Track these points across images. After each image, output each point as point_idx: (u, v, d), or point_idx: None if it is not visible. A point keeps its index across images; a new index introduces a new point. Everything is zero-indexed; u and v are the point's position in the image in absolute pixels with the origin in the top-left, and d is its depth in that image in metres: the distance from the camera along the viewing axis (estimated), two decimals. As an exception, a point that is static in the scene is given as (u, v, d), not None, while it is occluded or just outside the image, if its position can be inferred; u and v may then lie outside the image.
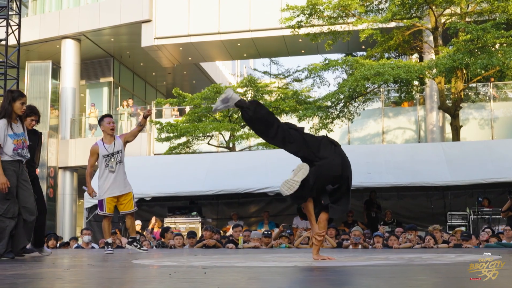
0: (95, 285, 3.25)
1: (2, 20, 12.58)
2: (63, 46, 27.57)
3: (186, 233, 13.48)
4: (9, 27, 12.49)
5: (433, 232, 11.65)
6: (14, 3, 12.90)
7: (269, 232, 12.76)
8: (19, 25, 12.65)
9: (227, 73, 41.81)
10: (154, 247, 12.30)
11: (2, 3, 13.65)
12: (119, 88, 31.00)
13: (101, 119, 9.16)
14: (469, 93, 23.30)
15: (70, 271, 4.65)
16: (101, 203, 9.04)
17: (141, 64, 31.13)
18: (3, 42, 12.34)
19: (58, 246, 13.93)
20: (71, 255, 8.32)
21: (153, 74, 33.12)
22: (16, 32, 12.58)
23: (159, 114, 26.49)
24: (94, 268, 5.03)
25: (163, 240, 13.22)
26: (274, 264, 4.99)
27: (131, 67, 31.92)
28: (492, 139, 21.78)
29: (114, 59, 30.46)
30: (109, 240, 9.27)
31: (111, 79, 30.43)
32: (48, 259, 6.93)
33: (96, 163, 9.06)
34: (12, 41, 12.76)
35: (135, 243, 9.17)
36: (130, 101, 27.71)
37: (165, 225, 14.91)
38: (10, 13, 12.60)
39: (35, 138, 8.05)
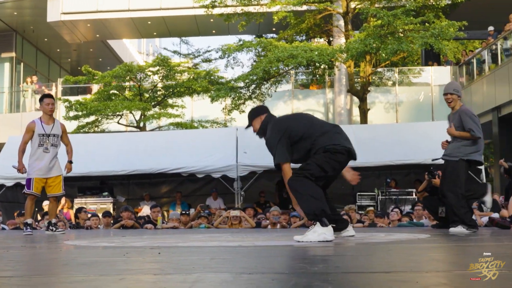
0: (56, 267, 3.11)
1: None
2: (-39, 18, 26.23)
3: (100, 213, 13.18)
4: None
5: (349, 211, 11.94)
6: None
7: (187, 212, 12.68)
8: None
9: (134, 51, 41.09)
10: (69, 228, 11.95)
11: None
12: (22, 64, 29.85)
13: (41, 99, 8.99)
14: (376, 78, 23.97)
15: (10, 253, 4.41)
16: (29, 182, 8.79)
17: (46, 39, 30.04)
18: None
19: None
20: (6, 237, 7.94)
21: (58, 50, 32.07)
22: None
23: (67, 92, 25.69)
24: (34, 249, 4.82)
25: (77, 220, 12.88)
26: (217, 244, 4.94)
27: (34, 43, 30.74)
28: (396, 122, 22.54)
29: (17, 34, 29.24)
30: (29, 221, 8.96)
31: (13, 54, 29.23)
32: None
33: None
34: None
35: (50, 227, 8.95)
36: (34, 78, 26.66)
37: (75, 206, 14.54)
38: None
39: None
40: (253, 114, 6.26)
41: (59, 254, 3.94)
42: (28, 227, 8.83)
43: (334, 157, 5.60)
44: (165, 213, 15.13)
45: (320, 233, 5.19)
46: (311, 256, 3.63)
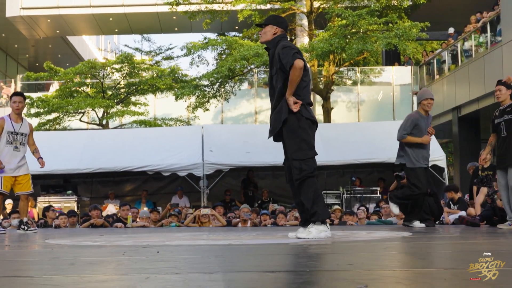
0: (65, 266, 3.06)
1: None
2: None
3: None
4: None
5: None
6: None
7: (157, 209, 12.61)
8: None
9: (93, 47, 40.56)
10: (37, 227, 11.76)
11: None
12: (-22, 60, 29.24)
13: (11, 96, 8.95)
14: (338, 78, 24.16)
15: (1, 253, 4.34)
16: None
17: (3, 35, 29.46)
18: None
19: None
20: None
21: (16, 46, 31.49)
22: None
23: (26, 88, 25.24)
24: (23, 249, 4.74)
25: (44, 219, 12.68)
26: (206, 242, 4.94)
27: (-9, 38, 30.16)
28: (358, 121, 22.77)
29: (-27, 29, 28.63)
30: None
31: (-32, 50, 28.62)
32: None
33: None
34: None
35: (22, 226, 8.82)
36: (-8, 74, 26.22)
37: (38, 204, 14.33)
38: None
39: None
40: (273, 20, 5.85)
41: (56, 254, 3.89)
42: (0, 226, 8.74)
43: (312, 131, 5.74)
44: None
45: (321, 230, 5.33)
46: (313, 254, 3.65)
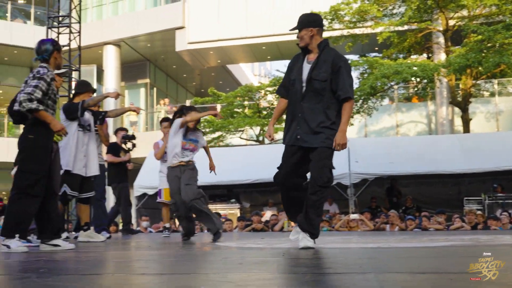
0: (226, 266, 3.18)
1: (65, 27, 12.56)
2: (105, 51, 27.57)
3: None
4: (71, 34, 12.48)
5: (470, 214, 11.51)
6: (74, 12, 12.90)
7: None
8: (79, 32, 12.65)
9: (249, 73, 41.69)
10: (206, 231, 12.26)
11: (52, 13, 13.62)
12: (155, 88, 30.99)
13: (160, 122, 9.56)
14: (474, 90, 23.07)
15: (180, 253, 4.56)
16: (160, 192, 9.15)
17: (174, 66, 31.08)
18: (65, 48, 12.33)
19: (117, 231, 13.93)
20: (150, 239, 8.26)
21: (184, 75, 33.07)
22: (77, 39, 12.58)
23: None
24: (193, 251, 4.94)
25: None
26: (358, 246, 4.89)
27: (165, 70, 31.89)
28: (497, 131, 21.55)
29: (150, 63, 30.45)
30: (167, 225, 9.33)
31: (147, 80, 30.43)
32: (143, 243, 6.92)
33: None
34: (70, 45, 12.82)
35: (165, 231, 9.30)
36: (167, 100, 27.75)
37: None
38: (71, 21, 12.61)
39: None
40: (306, 23, 5.06)
41: (225, 255, 4.02)
42: (166, 230, 9.21)
43: None
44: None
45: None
46: (458, 255, 3.50)
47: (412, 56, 24.09)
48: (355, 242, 5.43)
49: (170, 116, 24.90)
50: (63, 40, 11.57)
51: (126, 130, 11.13)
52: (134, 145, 10.82)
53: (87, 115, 7.17)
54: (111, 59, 27.42)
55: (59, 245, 5.43)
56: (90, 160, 7.14)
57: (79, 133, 7.03)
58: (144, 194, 15.36)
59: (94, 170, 7.18)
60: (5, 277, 2.80)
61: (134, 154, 20.97)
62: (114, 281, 2.30)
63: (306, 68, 4.93)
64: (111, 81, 27.13)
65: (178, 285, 2.16)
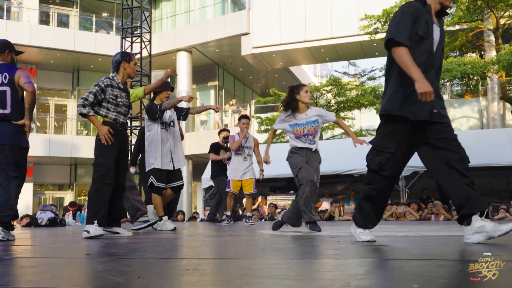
0: (254, 251, 3.30)
1: (136, 38, 13.02)
2: (178, 57, 28.20)
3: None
4: (142, 43, 12.93)
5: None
6: (146, 23, 13.37)
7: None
8: (150, 40, 13.08)
9: (310, 74, 41.59)
10: (264, 220, 12.48)
11: (124, 24, 14.14)
12: (223, 90, 31.43)
13: (239, 118, 9.66)
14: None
15: (219, 240, 4.68)
16: (228, 182, 9.42)
17: (241, 69, 31.42)
18: (137, 56, 12.81)
19: (185, 220, 14.37)
20: (215, 228, 8.51)
21: (250, 77, 33.36)
22: (148, 47, 13.02)
23: (258, 110, 26.72)
24: (235, 237, 5.08)
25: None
26: (386, 234, 4.94)
27: (232, 72, 32.29)
28: (549, 124, 20.75)
29: (219, 66, 30.90)
30: (228, 213, 9.60)
31: (216, 83, 30.90)
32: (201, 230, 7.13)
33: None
34: (142, 53, 13.29)
35: (245, 219, 9.51)
36: (234, 101, 28.12)
37: (268, 202, 15.09)
38: (143, 31, 13.07)
39: None
40: None
41: (256, 242, 4.15)
42: (227, 218, 9.47)
43: None
44: (341, 208, 15.22)
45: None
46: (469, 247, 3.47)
47: (467, 55, 23.46)
48: (388, 231, 5.47)
49: (237, 115, 25.21)
50: (136, 48, 12.00)
51: (228, 131, 11.57)
52: None
53: (169, 112, 7.33)
54: (183, 64, 28.01)
55: (118, 232, 5.87)
56: (176, 154, 7.30)
57: (162, 131, 7.23)
58: (211, 187, 15.71)
59: (181, 163, 7.36)
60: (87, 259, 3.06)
61: (202, 149, 21.41)
62: (186, 264, 2.49)
63: (436, 30, 3.70)
64: (184, 84, 27.73)
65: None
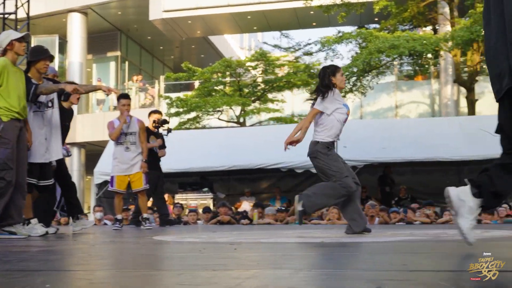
0: (130, 261, 3.24)
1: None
2: (69, 19, 27.44)
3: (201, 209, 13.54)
4: (18, 1, 12.40)
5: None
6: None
7: (284, 208, 12.76)
8: (28, -2, 12.58)
9: (235, 46, 41.62)
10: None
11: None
12: (126, 62, 30.93)
13: (118, 98, 9.54)
14: (485, 66, 23.10)
15: (96, 247, 4.66)
16: (112, 179, 9.22)
17: (149, 38, 31.02)
18: (12, 16, 12.26)
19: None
20: (88, 231, 8.34)
21: (161, 48, 33.03)
22: (26, 6, 12.50)
23: (169, 89, 26.48)
24: (118, 244, 5.03)
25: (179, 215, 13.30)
26: (300, 240, 4.97)
27: (138, 41, 31.82)
28: (509, 113, 21.60)
29: (121, 33, 30.37)
30: (119, 217, 9.41)
31: (118, 53, 30.37)
32: (68, 235, 6.97)
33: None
34: (20, 14, 12.70)
35: (143, 222, 9.37)
36: (140, 77, 27.72)
37: (176, 201, 14.96)
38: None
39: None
40: None
41: (141, 250, 4.08)
42: (117, 222, 9.27)
43: None
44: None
45: None
46: (381, 253, 3.57)
47: (420, 28, 24.06)
48: (304, 237, 5.50)
49: (143, 94, 24.86)
50: (9, 7, 11.48)
51: (160, 113, 11.41)
52: (170, 130, 11.30)
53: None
54: (76, 29, 27.32)
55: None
56: (53, 143, 7.04)
57: (35, 114, 6.93)
58: (106, 182, 15.36)
59: (55, 155, 7.12)
60: None
61: (98, 135, 21.01)
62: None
63: None
64: (76, 53, 27.05)
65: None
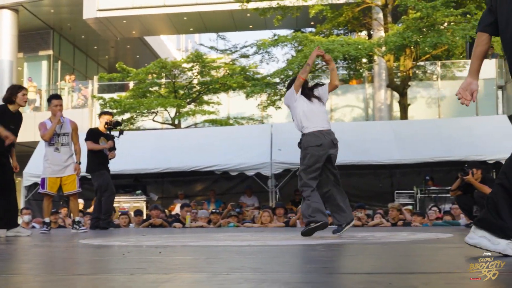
0: (50, 266, 3.17)
1: None
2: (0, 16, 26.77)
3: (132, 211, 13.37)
4: None
5: (392, 210, 11.78)
6: None
7: (218, 210, 12.74)
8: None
9: (172, 47, 41.42)
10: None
11: None
12: (59, 61, 30.36)
13: (49, 99, 9.44)
14: (417, 72, 23.65)
15: (18, 251, 4.54)
16: (43, 181, 9.05)
17: (83, 37, 30.52)
18: None
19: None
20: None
21: (95, 47, 32.55)
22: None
23: (103, 89, 26.08)
24: (42, 248, 4.93)
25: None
26: (227, 243, 4.96)
27: (71, 40, 31.27)
28: (439, 117, 22.20)
29: (54, 31, 29.78)
30: (47, 220, 9.24)
31: (50, 52, 29.78)
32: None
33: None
34: None
35: (75, 225, 9.19)
36: (73, 77, 27.23)
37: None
38: None
39: None
40: None
41: (62, 254, 4.01)
42: (45, 225, 9.11)
43: None
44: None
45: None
46: (307, 256, 3.60)
47: (356, 34, 24.44)
48: (233, 240, 5.51)
49: (76, 95, 24.46)
50: None
51: (111, 114, 11.34)
52: (122, 132, 11.34)
53: None
54: (6, 26, 26.65)
55: None
56: None
57: None
58: (36, 184, 15.02)
59: None
60: None
61: (28, 135, 20.56)
62: None
63: None
64: (7, 52, 26.38)
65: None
